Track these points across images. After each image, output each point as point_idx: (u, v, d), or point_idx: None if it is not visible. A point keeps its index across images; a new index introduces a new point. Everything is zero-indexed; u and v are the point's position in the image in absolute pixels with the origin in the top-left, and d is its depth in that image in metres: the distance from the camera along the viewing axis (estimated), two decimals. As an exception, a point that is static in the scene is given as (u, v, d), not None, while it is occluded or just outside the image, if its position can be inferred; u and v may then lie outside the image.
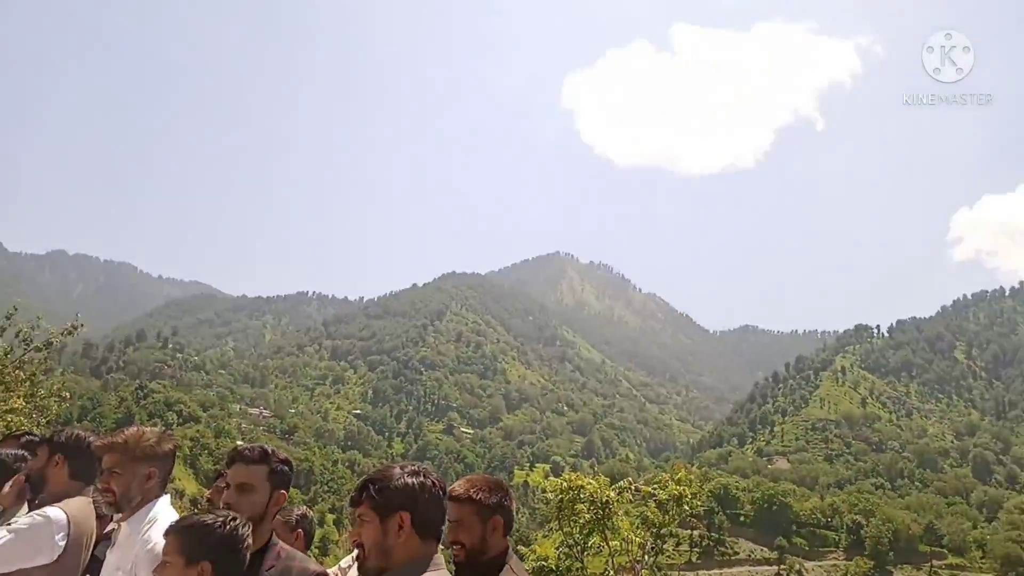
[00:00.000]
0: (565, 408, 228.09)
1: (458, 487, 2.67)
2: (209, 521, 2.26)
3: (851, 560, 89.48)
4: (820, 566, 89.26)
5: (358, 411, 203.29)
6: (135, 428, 2.91)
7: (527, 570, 2.77)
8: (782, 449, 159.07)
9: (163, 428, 3.06)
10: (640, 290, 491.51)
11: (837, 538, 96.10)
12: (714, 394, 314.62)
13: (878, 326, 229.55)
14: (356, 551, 2.21)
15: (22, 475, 3.24)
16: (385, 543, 2.03)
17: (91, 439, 3.18)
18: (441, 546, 3.33)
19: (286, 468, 2.70)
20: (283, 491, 2.70)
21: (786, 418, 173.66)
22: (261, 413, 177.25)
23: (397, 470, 2.11)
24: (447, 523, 2.75)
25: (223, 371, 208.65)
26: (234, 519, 2.31)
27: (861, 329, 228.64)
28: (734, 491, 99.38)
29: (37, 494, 3.11)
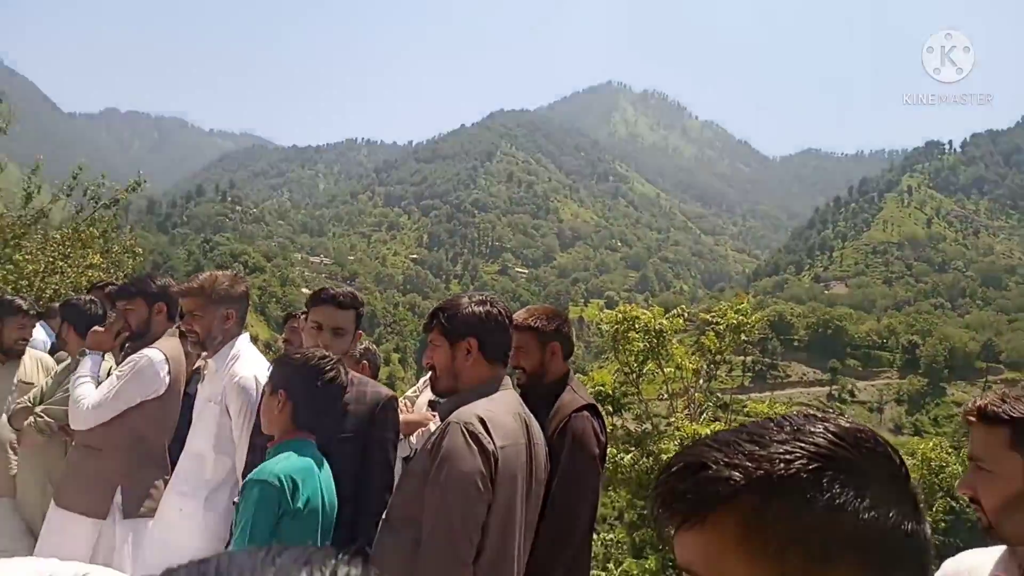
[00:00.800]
0: (619, 244, 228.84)
1: (518, 316, 2.80)
2: (291, 354, 2.42)
3: (905, 379, 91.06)
4: (873, 385, 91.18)
5: (414, 255, 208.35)
6: (209, 273, 3.07)
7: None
8: (840, 274, 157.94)
9: (235, 271, 3.23)
10: (697, 118, 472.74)
11: (892, 358, 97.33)
12: (772, 223, 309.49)
13: (951, 141, 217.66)
14: (429, 372, 2.36)
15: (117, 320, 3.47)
16: (454, 366, 2.16)
17: (172, 284, 3.40)
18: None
19: (363, 310, 2.91)
20: (360, 331, 2.92)
21: (846, 243, 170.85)
22: (322, 261, 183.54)
23: (465, 299, 2.22)
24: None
25: (282, 222, 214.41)
26: (315, 353, 2.40)
27: (932, 145, 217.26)
28: (789, 317, 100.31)
29: (138, 339, 3.36)
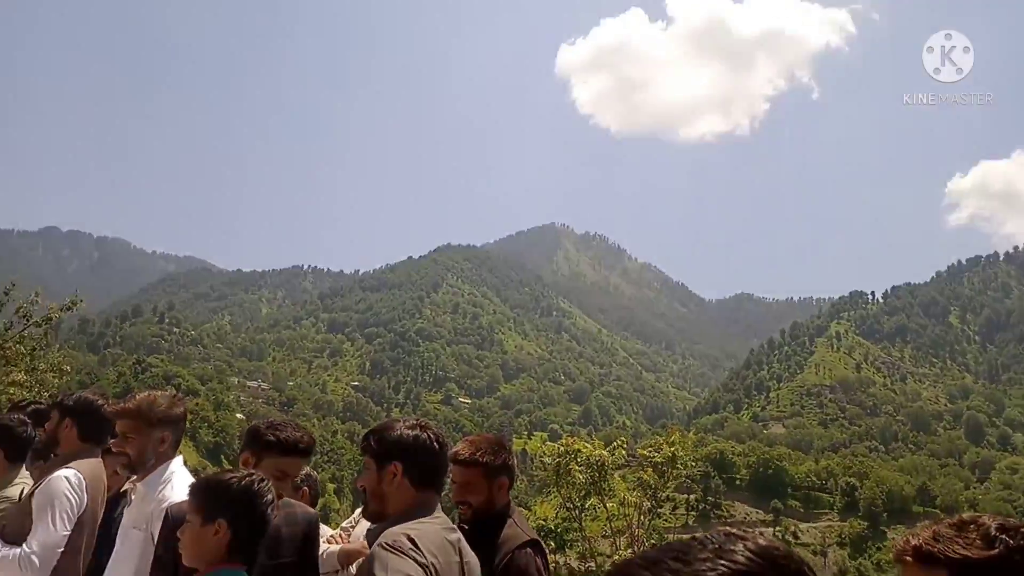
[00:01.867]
0: (562, 377, 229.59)
1: (463, 451, 2.72)
2: (225, 479, 2.24)
3: (845, 521, 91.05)
4: (815, 527, 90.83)
5: (356, 383, 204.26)
6: (147, 393, 2.99)
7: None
8: (777, 414, 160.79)
9: (173, 393, 3.15)
10: (636, 259, 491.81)
11: (832, 500, 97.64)
12: (710, 362, 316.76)
13: (873, 292, 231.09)
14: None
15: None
16: (379, 489, 2.15)
17: (99, 402, 3.28)
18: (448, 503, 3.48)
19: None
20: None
21: (781, 384, 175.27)
22: (260, 386, 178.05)
23: (399, 423, 2.21)
24: (454, 485, 2.85)
25: (220, 345, 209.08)
26: (250, 476, 2.27)
27: (856, 295, 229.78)
28: (730, 456, 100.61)
29: (48, 457, 3.21)
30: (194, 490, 2.27)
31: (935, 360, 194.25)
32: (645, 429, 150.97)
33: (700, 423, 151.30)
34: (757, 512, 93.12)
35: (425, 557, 1.93)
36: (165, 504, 2.76)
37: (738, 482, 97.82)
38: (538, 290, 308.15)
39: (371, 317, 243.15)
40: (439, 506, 2.21)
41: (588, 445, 9.07)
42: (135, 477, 2.96)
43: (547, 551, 2.92)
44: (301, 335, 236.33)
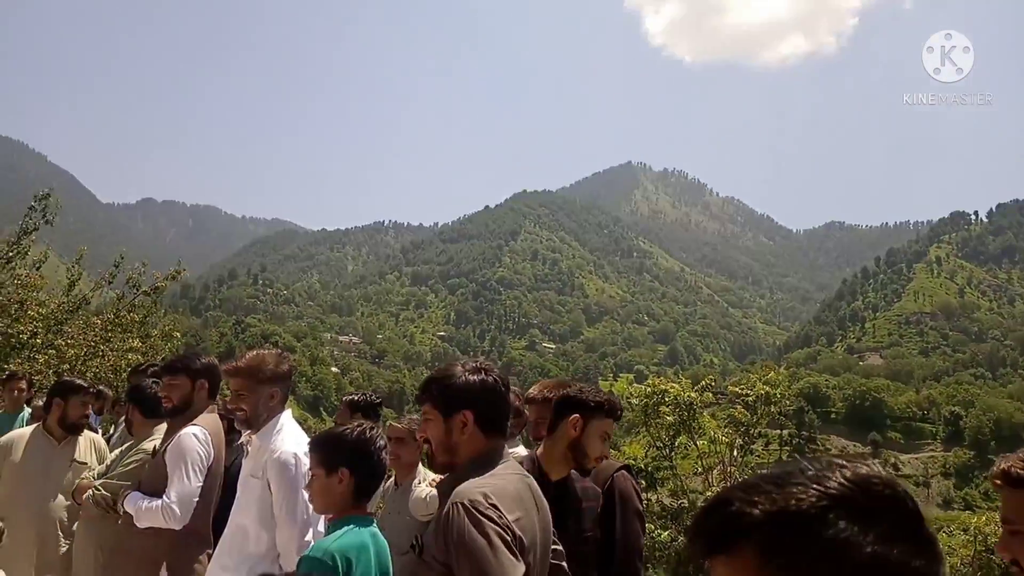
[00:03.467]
0: (645, 318, 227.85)
1: (533, 391, 3.08)
2: (341, 430, 2.40)
3: (950, 451, 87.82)
4: (917, 458, 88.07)
5: (442, 333, 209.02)
6: (255, 353, 3.19)
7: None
8: (874, 345, 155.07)
9: (280, 351, 3.34)
10: (717, 194, 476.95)
11: (934, 430, 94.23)
12: (800, 295, 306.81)
13: (976, 212, 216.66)
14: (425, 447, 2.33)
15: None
16: (449, 441, 2.04)
17: (216, 363, 3.54)
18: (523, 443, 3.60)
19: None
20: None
21: (877, 314, 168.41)
22: (351, 340, 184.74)
23: (459, 368, 2.09)
24: (529, 423, 3.07)
25: (311, 303, 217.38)
26: (361, 426, 2.43)
27: (957, 216, 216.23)
28: (824, 389, 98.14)
29: (179, 414, 3.49)
30: (315, 445, 2.42)
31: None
32: (733, 367, 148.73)
33: (792, 358, 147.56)
34: (854, 445, 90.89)
35: (505, 516, 1.87)
36: (276, 455, 2.96)
37: (833, 416, 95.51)
38: (617, 232, 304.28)
39: (452, 268, 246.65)
40: (509, 452, 2.15)
41: (676, 385, 9.06)
42: (250, 431, 3.19)
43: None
44: (386, 289, 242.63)
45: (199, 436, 3.33)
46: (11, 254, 10.75)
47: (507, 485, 1.99)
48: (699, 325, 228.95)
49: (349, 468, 2.31)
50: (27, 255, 11.01)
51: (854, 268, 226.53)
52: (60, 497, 3.85)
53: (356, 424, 2.44)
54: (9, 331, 9.61)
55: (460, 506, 1.86)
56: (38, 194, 11.28)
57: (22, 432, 4.06)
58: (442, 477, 2.15)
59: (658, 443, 9.47)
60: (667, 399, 9.10)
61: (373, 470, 2.39)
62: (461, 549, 1.83)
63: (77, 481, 3.77)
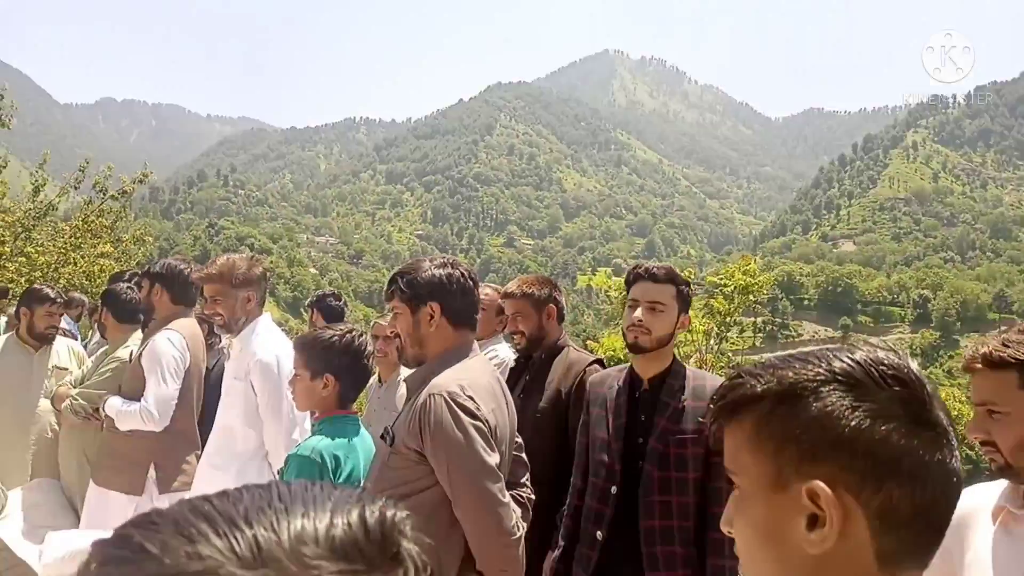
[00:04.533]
0: (623, 211, 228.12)
1: (511, 286, 3.06)
2: (328, 336, 2.37)
3: (917, 333, 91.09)
4: (885, 340, 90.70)
5: (420, 231, 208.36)
6: (226, 258, 3.15)
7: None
8: (848, 232, 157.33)
9: (251, 255, 3.32)
10: (696, 82, 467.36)
11: (903, 313, 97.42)
12: (777, 184, 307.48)
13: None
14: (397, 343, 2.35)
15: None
16: (418, 334, 2.06)
17: (184, 267, 3.49)
18: (503, 336, 3.67)
19: (689, 292, 2.45)
20: (687, 316, 2.46)
21: (852, 201, 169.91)
22: (328, 241, 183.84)
23: (426, 263, 2.12)
24: (508, 318, 3.08)
25: (285, 203, 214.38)
26: (351, 331, 2.40)
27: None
28: (798, 277, 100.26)
29: (147, 322, 3.48)
30: (301, 347, 2.39)
31: (1020, 163, 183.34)
32: (710, 257, 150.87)
33: (767, 247, 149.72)
34: (826, 330, 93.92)
35: (481, 408, 1.93)
36: (258, 357, 2.98)
37: (806, 302, 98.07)
38: (595, 124, 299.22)
39: (427, 165, 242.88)
40: (476, 345, 2.16)
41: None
42: (230, 336, 3.19)
43: None
44: (361, 188, 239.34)
45: (173, 340, 3.33)
46: (-32, 160, 10.36)
47: (480, 378, 2.03)
48: (676, 217, 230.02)
49: (335, 375, 2.32)
50: (-16, 161, 10.62)
51: (832, 155, 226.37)
52: (44, 402, 3.87)
53: (344, 329, 2.41)
54: (-25, 240, 9.40)
55: (438, 397, 1.90)
56: (-12, 95, 10.75)
57: (-4, 340, 4.02)
58: (413, 371, 2.16)
59: (635, 334, 9.75)
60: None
61: (359, 376, 2.40)
62: (439, 439, 1.87)
63: (55, 388, 3.78)
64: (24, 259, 10.09)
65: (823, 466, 0.70)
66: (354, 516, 0.44)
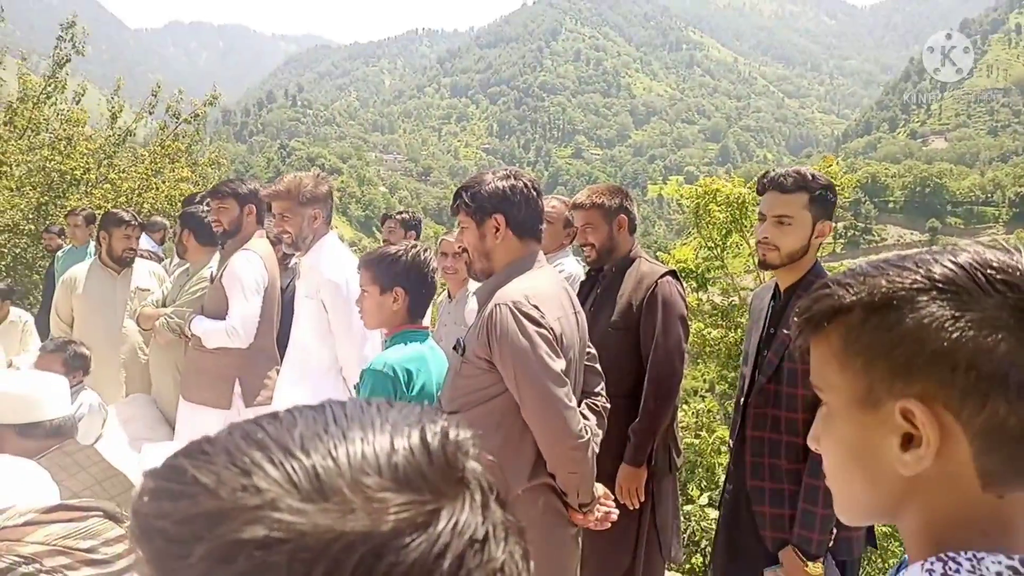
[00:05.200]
0: (696, 116, 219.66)
1: (580, 196, 2.93)
2: (392, 251, 2.42)
3: (1012, 233, 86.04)
4: (978, 242, 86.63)
5: (486, 145, 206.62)
6: (293, 176, 3.18)
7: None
8: (939, 128, 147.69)
9: (317, 172, 3.31)
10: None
11: (997, 213, 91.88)
12: (862, 78, 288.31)
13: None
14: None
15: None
16: (484, 246, 2.10)
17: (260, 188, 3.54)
18: (571, 247, 3.59)
19: (830, 195, 2.24)
20: (828, 222, 2.26)
21: (945, 93, 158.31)
22: (396, 158, 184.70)
23: (489, 175, 2.13)
24: (578, 229, 2.98)
25: (352, 122, 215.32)
26: (415, 247, 2.43)
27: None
28: (883, 178, 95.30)
29: (230, 237, 3.55)
30: (369, 263, 2.42)
31: None
32: (789, 161, 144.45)
33: (850, 147, 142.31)
34: (912, 233, 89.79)
35: (546, 316, 1.97)
36: (327, 275, 3.01)
37: (891, 205, 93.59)
38: (665, 23, 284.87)
39: (492, 76, 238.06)
40: (543, 256, 2.18)
41: (727, 184, 8.80)
42: (299, 253, 3.23)
43: (686, 287, 3.06)
44: (426, 103, 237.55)
45: (251, 260, 3.40)
46: (50, 89, 10.64)
47: (546, 287, 2.07)
48: (752, 119, 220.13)
49: (404, 288, 2.35)
50: (64, 89, 10.89)
51: (923, 45, 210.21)
52: (130, 323, 4.06)
53: (410, 244, 2.44)
54: (62, 168, 9.75)
55: (504, 307, 1.96)
56: (64, 22, 10.94)
57: (83, 266, 4.21)
58: (481, 284, 2.19)
59: (709, 244, 9.39)
60: (718, 199, 8.89)
61: (425, 290, 2.42)
62: (505, 346, 1.93)
63: (139, 308, 3.94)
64: (109, 185, 10.45)
65: (919, 382, 0.64)
66: (415, 439, 0.42)
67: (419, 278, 2.39)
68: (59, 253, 6.00)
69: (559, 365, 1.96)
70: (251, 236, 3.51)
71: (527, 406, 1.96)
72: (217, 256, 3.71)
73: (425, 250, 2.45)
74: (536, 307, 1.97)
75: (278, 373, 3.38)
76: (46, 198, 9.61)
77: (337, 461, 0.40)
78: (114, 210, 4.25)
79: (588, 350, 2.27)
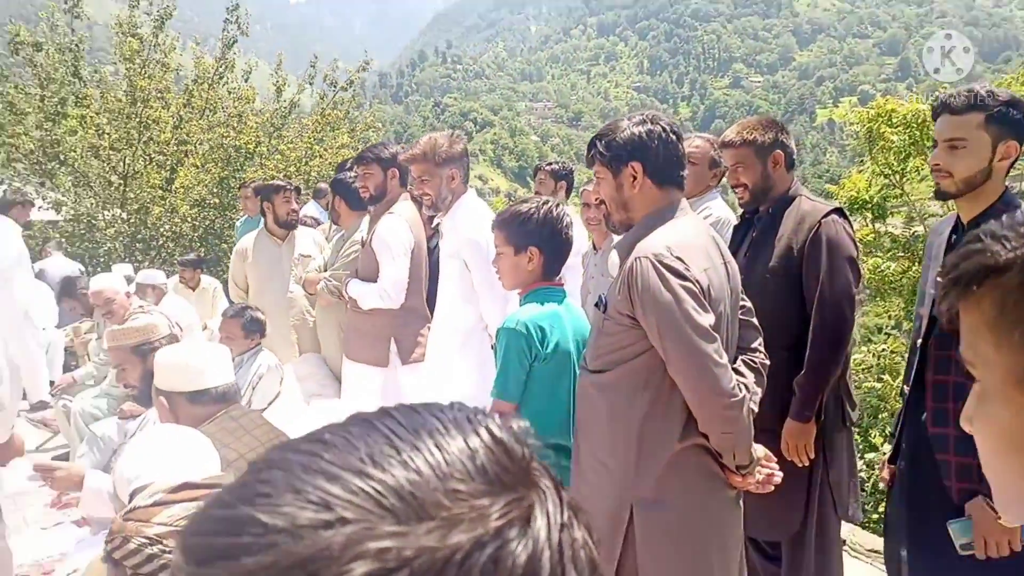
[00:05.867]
0: (869, 29, 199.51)
1: (729, 133, 2.69)
2: (524, 209, 2.36)
3: None
4: None
5: (637, 83, 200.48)
6: (428, 137, 3.21)
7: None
8: None
9: (451, 132, 3.33)
10: None
11: None
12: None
13: None
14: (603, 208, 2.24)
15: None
16: (622, 196, 1.99)
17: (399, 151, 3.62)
18: (720, 187, 3.33)
19: (1013, 112, 2.00)
20: (1012, 141, 2.01)
21: None
22: (546, 106, 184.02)
23: (624, 122, 2.01)
24: (728, 169, 2.76)
25: (501, 73, 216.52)
26: (546, 202, 2.38)
27: None
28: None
29: (376, 202, 3.68)
30: (501, 223, 2.39)
31: None
32: (982, 69, 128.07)
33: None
34: None
35: (690, 268, 1.85)
36: (468, 235, 3.04)
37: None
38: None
39: (640, 11, 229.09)
40: (686, 203, 2.06)
41: (904, 104, 7.86)
42: (440, 215, 3.28)
43: (861, 221, 2.83)
44: (573, 46, 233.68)
45: (396, 223, 3.50)
46: (221, 69, 11.49)
47: (691, 237, 1.94)
48: (937, 26, 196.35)
49: (538, 247, 2.32)
50: (233, 68, 11.72)
51: None
52: (296, 287, 4.36)
53: (541, 201, 2.40)
54: (236, 143, 10.58)
55: (644, 260, 1.85)
56: (228, 6, 11.72)
57: (251, 236, 4.57)
58: (620, 237, 2.08)
59: (886, 171, 8.51)
60: (894, 120, 7.99)
61: (561, 247, 2.38)
62: (648, 302, 1.83)
63: (303, 274, 4.20)
64: (280, 156, 11.21)
65: None
66: (487, 436, 0.39)
67: (552, 235, 2.34)
68: (237, 224, 6.54)
69: (707, 320, 1.83)
70: (396, 199, 3.60)
71: (673, 364, 1.85)
72: (367, 220, 3.85)
73: (557, 205, 2.39)
74: (680, 259, 1.84)
75: (430, 331, 3.48)
76: (226, 172, 10.46)
77: (421, 473, 0.36)
78: (271, 180, 4.54)
79: (743, 303, 2.13)
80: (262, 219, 4.70)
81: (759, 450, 2.03)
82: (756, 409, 1.97)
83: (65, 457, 4.24)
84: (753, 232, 2.68)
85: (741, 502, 2.09)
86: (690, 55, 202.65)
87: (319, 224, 5.46)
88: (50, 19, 10.85)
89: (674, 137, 1.99)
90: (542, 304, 2.32)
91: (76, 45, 10.60)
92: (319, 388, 3.97)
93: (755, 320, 2.18)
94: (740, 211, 2.83)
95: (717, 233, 2.13)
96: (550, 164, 4.77)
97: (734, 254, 2.33)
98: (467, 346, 3.10)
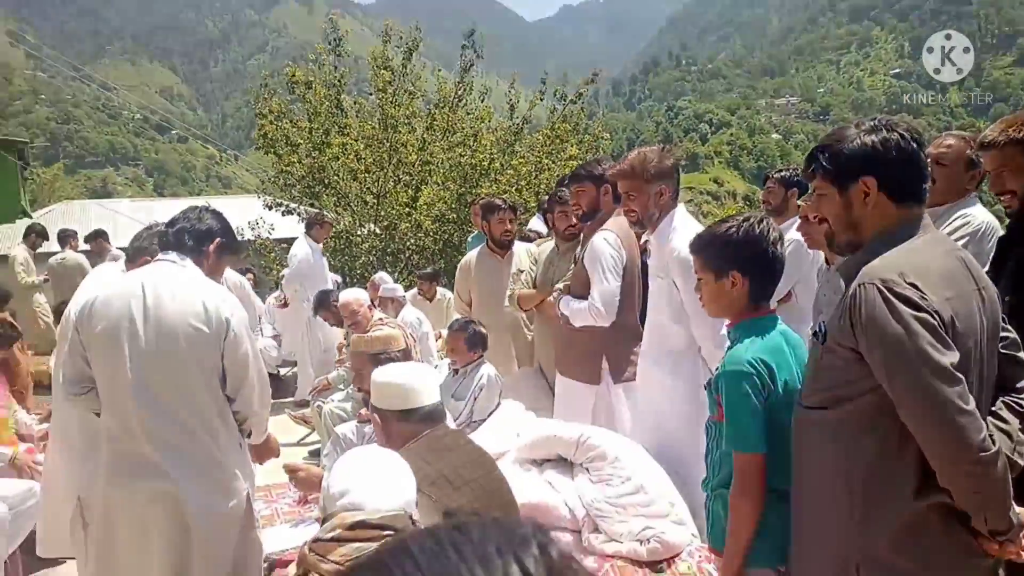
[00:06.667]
0: None
1: (991, 132, 2.37)
2: (722, 230, 2.12)
3: None
4: None
5: (896, 69, 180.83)
6: (636, 152, 3.13)
7: None
8: None
9: (662, 145, 3.25)
10: None
11: None
12: None
13: None
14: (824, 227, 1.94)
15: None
16: (850, 216, 1.73)
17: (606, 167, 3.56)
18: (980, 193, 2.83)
19: None
20: None
21: None
22: (789, 101, 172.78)
23: (851, 129, 1.74)
24: (987, 175, 2.50)
25: (739, 71, 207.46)
26: (747, 220, 2.11)
27: None
28: None
29: (589, 219, 3.67)
30: (697, 248, 2.18)
31: None
32: None
33: None
34: None
35: (928, 296, 1.57)
36: (676, 253, 2.90)
37: None
38: None
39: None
40: (929, 221, 1.76)
41: None
42: (647, 232, 3.17)
43: None
44: (820, 36, 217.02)
45: (609, 240, 3.45)
46: (460, 92, 12.26)
47: (930, 260, 1.66)
48: None
49: (740, 270, 2.05)
50: (471, 91, 12.45)
51: None
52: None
53: (742, 218, 2.14)
54: (472, 160, 11.22)
55: (870, 286, 1.60)
56: (464, 31, 12.51)
57: (474, 252, 4.81)
58: (845, 259, 1.82)
59: None
60: None
61: (769, 268, 2.09)
62: (872, 335, 1.58)
63: (510, 290, 4.31)
64: (512, 171, 11.70)
65: None
66: (535, 551, 0.37)
67: (756, 256, 2.06)
68: (469, 239, 6.92)
69: (948, 359, 1.54)
70: (610, 215, 3.56)
71: (905, 410, 1.57)
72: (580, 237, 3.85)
73: (760, 221, 2.10)
74: (914, 285, 1.57)
75: (641, 350, 3.39)
76: (463, 189, 11.14)
77: None
78: (489, 199, 4.73)
79: (1005, 334, 1.80)
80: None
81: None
82: (1023, 463, 1.66)
83: (318, 453, 4.75)
84: (1022, 246, 2.32)
85: (1001, 572, 1.79)
86: (963, 32, 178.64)
87: (541, 237, 5.59)
88: (318, 58, 12.35)
89: (914, 145, 1.70)
90: (763, 338, 2.04)
91: (339, 80, 11.95)
92: (533, 401, 4.03)
93: (1022, 355, 1.83)
94: (1006, 222, 2.51)
95: (981, 244, 1.91)
96: (780, 171, 4.45)
97: (996, 272, 2.05)
98: (678, 368, 2.97)
